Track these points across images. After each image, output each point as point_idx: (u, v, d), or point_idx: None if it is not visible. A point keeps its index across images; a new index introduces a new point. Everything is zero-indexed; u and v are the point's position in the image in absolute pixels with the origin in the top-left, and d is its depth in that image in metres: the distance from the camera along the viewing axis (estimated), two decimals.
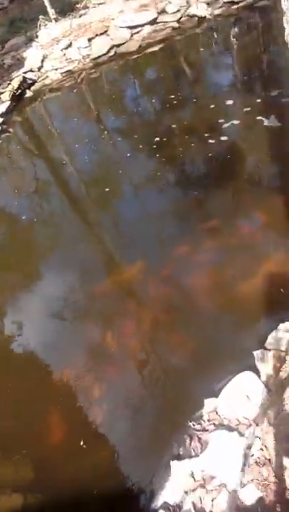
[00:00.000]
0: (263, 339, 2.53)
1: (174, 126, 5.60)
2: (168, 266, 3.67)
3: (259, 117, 4.99)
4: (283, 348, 2.33)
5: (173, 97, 6.17)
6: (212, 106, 5.68)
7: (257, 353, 2.41)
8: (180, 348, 3.01)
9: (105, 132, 6.07)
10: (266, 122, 4.92)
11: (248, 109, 5.24)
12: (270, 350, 2.38)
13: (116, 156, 5.51)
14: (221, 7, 7.56)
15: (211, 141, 4.96)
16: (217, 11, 7.54)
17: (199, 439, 2.18)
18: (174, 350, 3.02)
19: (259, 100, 5.34)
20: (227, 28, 7.50)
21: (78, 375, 3.10)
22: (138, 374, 2.98)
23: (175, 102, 6.09)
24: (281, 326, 2.51)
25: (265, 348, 2.41)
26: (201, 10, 7.55)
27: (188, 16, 7.65)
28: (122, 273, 3.82)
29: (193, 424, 2.30)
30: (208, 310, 3.20)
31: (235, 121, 5.14)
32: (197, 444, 2.17)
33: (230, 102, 5.57)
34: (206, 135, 5.12)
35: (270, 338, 2.45)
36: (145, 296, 3.54)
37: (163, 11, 7.69)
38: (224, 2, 7.53)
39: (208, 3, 7.58)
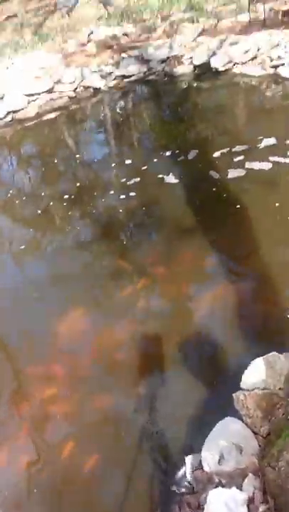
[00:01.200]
0: (234, 379, 2.29)
1: (79, 184, 5.52)
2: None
3: (159, 175, 5.14)
4: (262, 387, 2.08)
5: (77, 156, 6.15)
6: (113, 164, 5.78)
7: (236, 396, 2.12)
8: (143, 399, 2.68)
9: (10, 191, 5.77)
10: (166, 179, 5.05)
11: (145, 167, 5.42)
12: (249, 390, 2.10)
13: (26, 214, 5.23)
14: (114, 79, 7.95)
15: (121, 196, 4.96)
16: (111, 83, 7.91)
17: (189, 504, 1.77)
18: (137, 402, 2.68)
19: (156, 160, 5.54)
20: (119, 98, 7.87)
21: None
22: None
23: (78, 161, 6.09)
24: (254, 362, 2.27)
25: (243, 389, 2.14)
26: (96, 81, 7.87)
27: (83, 86, 7.91)
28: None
29: (178, 489, 1.90)
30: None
31: (137, 179, 5.21)
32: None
33: (128, 161, 5.69)
34: (111, 192, 5.13)
35: (245, 378, 2.19)
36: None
37: (59, 81, 7.86)
38: (116, 76, 7.95)
39: (102, 76, 7.95)
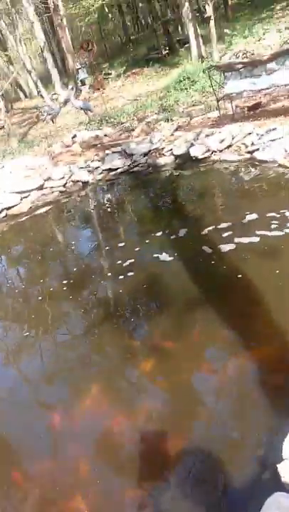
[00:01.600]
0: (274, 448, 2.10)
1: (76, 269, 5.58)
2: None
3: (154, 254, 5.29)
4: None
5: (72, 243, 6.33)
6: (107, 248, 5.99)
7: (281, 467, 1.93)
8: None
9: (9, 281, 5.77)
10: (161, 257, 5.17)
11: (138, 248, 5.61)
12: None
13: (27, 301, 5.23)
14: (101, 173, 8.42)
15: (120, 277, 5.02)
16: (99, 177, 8.37)
17: None
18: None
19: (147, 240, 5.76)
20: (107, 190, 8.28)
21: None
22: None
23: (72, 248, 6.27)
24: None
25: (287, 459, 1.96)
26: (84, 176, 8.32)
27: (72, 181, 8.33)
28: None
29: None
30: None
31: (132, 260, 5.34)
32: None
33: (121, 244, 5.89)
34: (109, 274, 5.19)
35: (286, 446, 2.01)
36: None
37: (49, 178, 8.29)
38: (103, 170, 8.44)
39: (89, 171, 8.43)
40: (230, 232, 5.22)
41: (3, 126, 13.58)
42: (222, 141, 7.60)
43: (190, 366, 3.57)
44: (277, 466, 2.12)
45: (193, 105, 11.03)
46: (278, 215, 5.21)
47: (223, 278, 4.57)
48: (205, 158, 7.67)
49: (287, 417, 2.69)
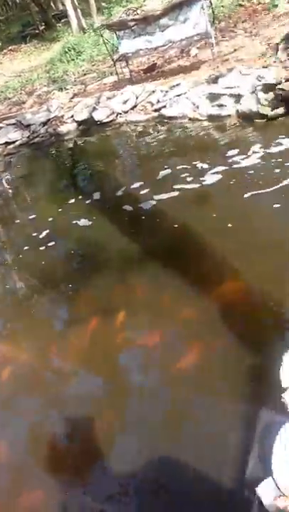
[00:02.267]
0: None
1: None
2: None
3: (72, 221, 4.77)
4: None
5: None
6: (17, 221, 5.35)
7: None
8: None
9: None
10: (80, 223, 4.70)
11: (52, 218, 5.01)
12: None
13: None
14: None
15: (41, 248, 4.41)
16: None
17: None
18: None
19: (60, 209, 5.18)
20: (7, 165, 7.38)
21: None
22: None
23: None
24: None
25: None
26: None
27: None
28: None
29: None
30: None
31: (47, 231, 4.77)
32: None
33: (32, 217, 5.28)
34: (26, 248, 4.56)
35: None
36: None
37: None
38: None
39: None
40: (146, 190, 4.83)
41: None
42: (126, 101, 7.14)
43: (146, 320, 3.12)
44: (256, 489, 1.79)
45: (85, 74, 10.38)
46: (190, 167, 4.96)
47: (155, 231, 4.17)
48: (110, 121, 7.16)
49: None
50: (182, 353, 2.71)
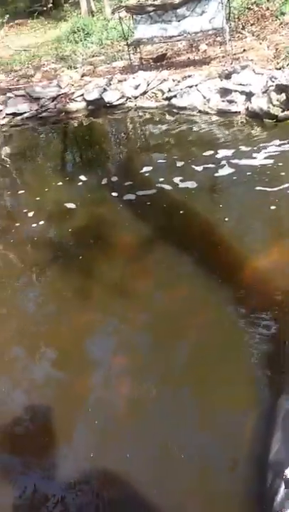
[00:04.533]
0: None
1: None
2: None
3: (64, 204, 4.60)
4: None
5: None
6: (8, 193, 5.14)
7: None
8: None
9: None
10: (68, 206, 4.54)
11: (38, 198, 4.84)
12: None
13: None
14: (4, 117, 7.11)
15: (33, 225, 4.28)
16: (2, 121, 7.06)
17: None
18: None
19: (46, 189, 5.04)
20: (11, 136, 7.07)
21: None
22: None
23: None
24: None
25: None
26: None
27: None
28: None
29: None
30: None
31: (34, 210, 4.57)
32: None
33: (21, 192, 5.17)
34: (17, 224, 4.38)
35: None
36: None
37: None
38: (6, 114, 7.14)
39: None
40: (130, 183, 4.74)
41: None
42: (137, 87, 6.94)
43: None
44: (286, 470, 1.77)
45: (93, 56, 10.02)
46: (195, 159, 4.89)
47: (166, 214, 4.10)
48: (120, 104, 6.95)
49: None
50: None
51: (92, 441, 2.21)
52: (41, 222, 4.28)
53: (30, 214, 4.46)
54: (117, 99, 6.93)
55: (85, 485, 2.02)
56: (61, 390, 2.54)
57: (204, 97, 6.32)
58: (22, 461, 2.23)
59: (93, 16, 13.46)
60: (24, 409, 2.44)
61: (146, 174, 4.86)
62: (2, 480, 2.12)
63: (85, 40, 11.44)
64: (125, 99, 6.97)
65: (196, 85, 6.49)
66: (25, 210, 4.55)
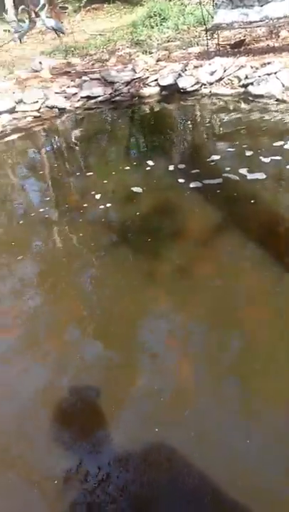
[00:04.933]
0: None
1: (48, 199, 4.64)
2: None
3: (131, 188, 4.57)
4: None
5: (40, 173, 5.34)
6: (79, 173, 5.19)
7: None
8: None
9: None
10: (135, 190, 4.51)
11: (106, 181, 4.86)
12: None
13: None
14: (78, 101, 7.23)
15: (100, 207, 4.31)
16: (77, 104, 7.18)
17: None
18: None
19: (113, 173, 5.02)
20: (84, 119, 7.16)
21: None
22: None
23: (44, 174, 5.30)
24: None
25: None
26: (60, 102, 7.09)
27: (47, 106, 7.07)
28: None
29: None
30: None
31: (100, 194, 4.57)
32: None
33: (90, 174, 5.16)
34: (85, 205, 4.40)
35: None
36: None
37: (21, 101, 6.95)
38: (81, 97, 7.25)
39: (65, 97, 7.19)
40: (197, 171, 4.57)
41: None
42: (213, 73, 6.74)
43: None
44: None
45: (168, 41, 9.88)
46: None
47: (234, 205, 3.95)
48: (194, 90, 6.80)
49: None
50: None
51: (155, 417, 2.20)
52: (108, 205, 4.30)
53: (98, 196, 4.49)
54: (192, 85, 6.77)
55: (142, 463, 2.02)
56: (117, 364, 2.56)
57: (283, 85, 6.00)
58: (73, 436, 2.27)
59: (170, 0, 13.24)
60: (79, 384, 2.48)
61: (213, 163, 4.74)
62: (53, 451, 2.17)
63: (161, 25, 11.30)
64: (200, 85, 6.80)
65: (276, 73, 6.18)
66: (92, 192, 4.59)
